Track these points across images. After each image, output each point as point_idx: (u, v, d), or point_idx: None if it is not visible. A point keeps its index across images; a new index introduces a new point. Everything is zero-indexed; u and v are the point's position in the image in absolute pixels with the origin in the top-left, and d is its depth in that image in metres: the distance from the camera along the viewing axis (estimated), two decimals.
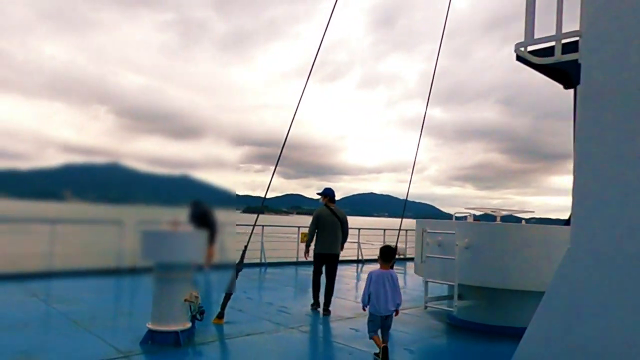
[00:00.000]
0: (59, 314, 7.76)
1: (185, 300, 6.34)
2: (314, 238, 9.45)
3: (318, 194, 9.76)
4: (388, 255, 6.53)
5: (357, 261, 18.99)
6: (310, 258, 9.64)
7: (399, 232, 12.83)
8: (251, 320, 8.17)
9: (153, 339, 6.27)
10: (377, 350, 6.21)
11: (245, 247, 8.26)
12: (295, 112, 9.21)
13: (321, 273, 9.59)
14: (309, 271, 11.29)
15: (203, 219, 9.35)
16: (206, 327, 7.09)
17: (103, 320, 7.57)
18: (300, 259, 15.74)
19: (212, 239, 7.97)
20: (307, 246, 9.69)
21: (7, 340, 6.23)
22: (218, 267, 8.45)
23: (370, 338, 6.34)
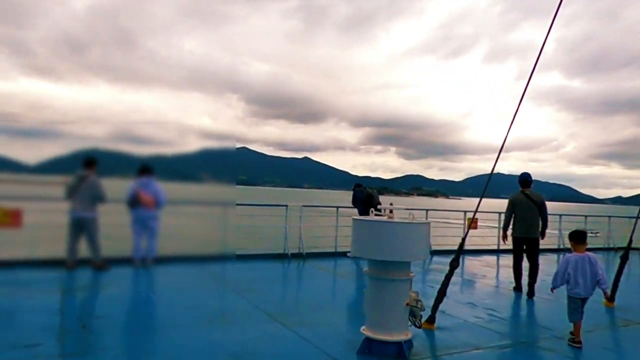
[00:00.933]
0: (251, 305, 7.57)
1: (407, 304, 5.47)
2: (511, 222, 9.69)
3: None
4: (582, 236, 6.51)
5: (557, 250, 16.88)
6: (509, 244, 9.92)
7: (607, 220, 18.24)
8: (465, 327, 6.86)
9: (370, 348, 5.44)
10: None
11: (464, 238, 7.29)
12: None
13: (521, 257, 9.65)
14: (482, 260, 13.16)
15: (369, 202, 11.89)
16: (415, 334, 5.82)
17: (298, 315, 7.21)
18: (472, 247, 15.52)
19: None
20: (505, 231, 9.96)
21: (211, 334, 6.01)
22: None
23: (571, 322, 6.36)
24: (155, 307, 7.93)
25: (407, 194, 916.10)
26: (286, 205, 13.84)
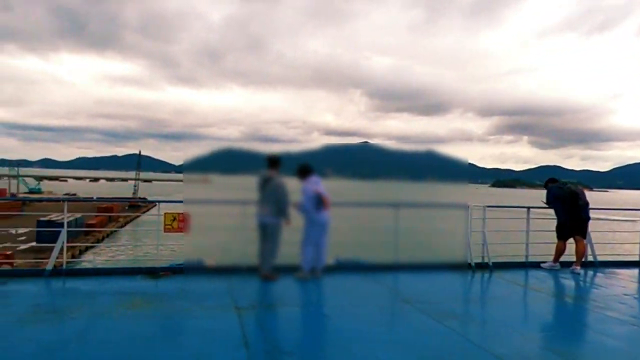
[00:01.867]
0: (457, 335, 6.03)
1: None
2: None
3: None
4: None
5: None
6: None
7: None
8: None
9: None
10: None
11: None
12: None
13: None
14: None
15: (573, 201, 10.87)
16: None
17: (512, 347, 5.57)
18: None
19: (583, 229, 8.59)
20: None
21: None
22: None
23: None
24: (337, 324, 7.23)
25: (543, 187, 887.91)
26: (467, 206, 12.57)
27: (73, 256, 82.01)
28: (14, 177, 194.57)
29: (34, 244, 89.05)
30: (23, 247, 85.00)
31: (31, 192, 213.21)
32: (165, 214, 9.91)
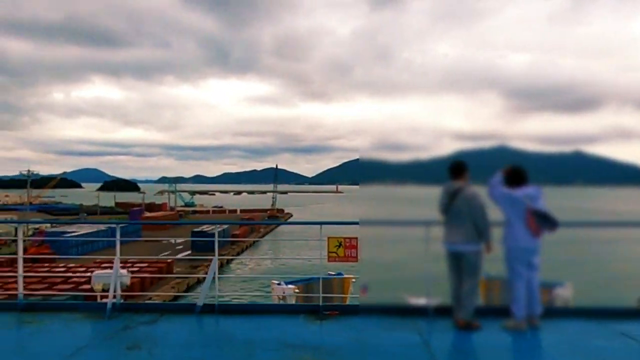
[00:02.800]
0: None
1: None
2: None
3: None
4: None
5: None
6: None
7: None
8: None
9: None
10: None
11: None
12: None
13: None
14: None
15: None
16: None
17: None
18: None
19: None
20: None
21: None
22: None
23: None
24: None
25: None
26: None
27: (222, 264, 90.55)
28: (173, 192, 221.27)
29: (189, 252, 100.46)
30: (180, 255, 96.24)
31: (186, 205, 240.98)
32: (328, 238, 8.12)
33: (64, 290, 57.41)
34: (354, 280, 33.71)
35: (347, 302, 32.00)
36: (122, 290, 10.21)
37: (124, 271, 12.14)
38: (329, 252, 8.06)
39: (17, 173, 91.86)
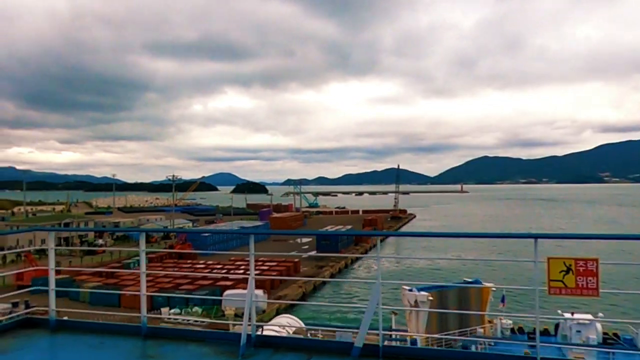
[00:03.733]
0: None
1: None
2: None
3: None
4: None
5: None
6: None
7: None
8: None
9: None
10: None
11: None
12: None
13: None
14: None
15: None
16: None
17: None
18: None
19: None
20: None
21: None
22: None
23: None
24: None
25: None
26: None
27: (346, 265, 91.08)
28: (297, 193, 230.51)
29: (314, 252, 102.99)
30: (305, 255, 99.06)
31: (311, 206, 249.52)
32: (549, 259, 5.91)
33: (204, 286, 62.27)
34: (494, 289, 31.05)
35: (487, 311, 29.31)
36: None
37: (260, 292, 11.33)
38: (549, 280, 5.75)
39: (164, 178, 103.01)
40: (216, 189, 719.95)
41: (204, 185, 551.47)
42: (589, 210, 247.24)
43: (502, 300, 30.01)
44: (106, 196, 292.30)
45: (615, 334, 27.81)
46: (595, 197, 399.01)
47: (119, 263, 79.58)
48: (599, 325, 25.47)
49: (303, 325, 9.49)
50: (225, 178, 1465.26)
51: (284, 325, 26.29)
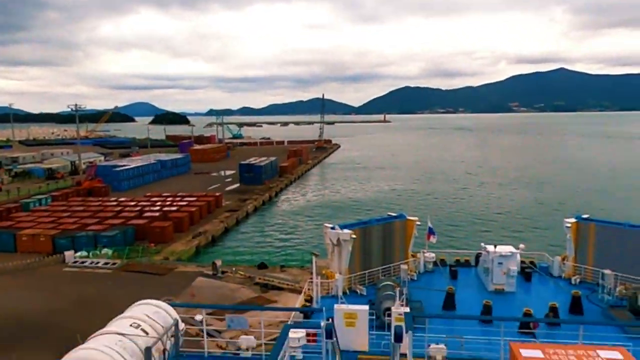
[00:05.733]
0: None
1: None
2: None
3: None
4: None
5: None
6: None
7: None
8: None
9: None
10: None
11: None
12: None
13: None
14: None
15: None
16: None
17: None
18: None
19: None
20: None
21: None
22: None
23: None
24: None
25: None
26: None
27: (270, 197, 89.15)
28: (221, 124, 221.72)
29: (238, 185, 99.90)
30: (229, 188, 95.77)
31: (234, 137, 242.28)
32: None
33: (115, 225, 57.54)
34: (418, 223, 30.22)
35: (410, 248, 28.49)
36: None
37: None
38: None
39: (72, 108, 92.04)
40: (133, 120, 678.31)
41: (119, 115, 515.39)
42: (499, 139, 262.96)
43: (430, 232, 29.31)
44: (4, 128, 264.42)
45: (532, 262, 28.26)
46: (505, 126, 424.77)
47: (17, 203, 71.64)
48: (518, 256, 25.47)
49: (172, 316, 7.11)
50: (143, 108, 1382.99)
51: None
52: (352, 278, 25.46)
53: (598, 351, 8.23)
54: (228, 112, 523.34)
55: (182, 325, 8.58)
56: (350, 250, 24.92)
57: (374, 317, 19.60)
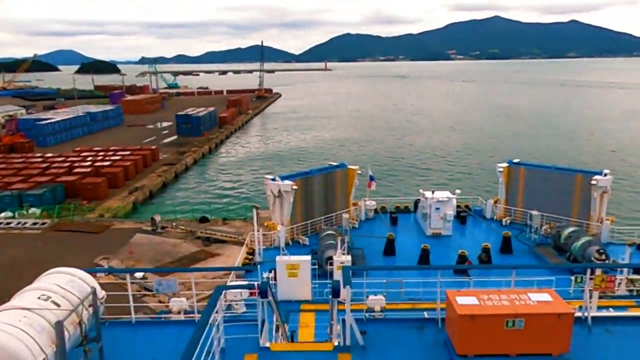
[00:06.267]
0: None
1: None
2: None
3: None
4: None
5: None
6: None
7: None
8: None
9: None
10: None
11: None
12: None
13: None
14: None
15: None
16: None
17: None
18: None
19: None
20: None
21: None
22: None
23: None
24: None
25: None
26: None
27: (210, 149, 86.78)
28: (154, 73, 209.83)
29: (175, 137, 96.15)
30: (166, 140, 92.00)
31: (169, 87, 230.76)
32: None
33: (42, 183, 53.98)
34: (359, 171, 30.37)
35: (352, 197, 28.72)
36: None
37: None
38: None
39: None
40: (57, 69, 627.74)
41: (41, 64, 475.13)
42: (438, 86, 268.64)
43: (371, 180, 29.66)
44: None
45: (467, 206, 29.46)
46: (443, 73, 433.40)
47: None
48: (454, 201, 26.39)
49: (89, 284, 6.44)
50: (67, 56, 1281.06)
51: None
52: (294, 229, 25.48)
53: (529, 294, 8.56)
54: (162, 60, 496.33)
55: (102, 293, 7.93)
56: (292, 201, 24.77)
57: (317, 266, 19.77)
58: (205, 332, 6.85)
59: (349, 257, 18.89)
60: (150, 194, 57.91)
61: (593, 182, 23.81)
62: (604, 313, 10.24)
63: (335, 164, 28.48)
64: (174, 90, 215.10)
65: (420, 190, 27.25)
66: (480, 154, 78.04)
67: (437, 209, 25.40)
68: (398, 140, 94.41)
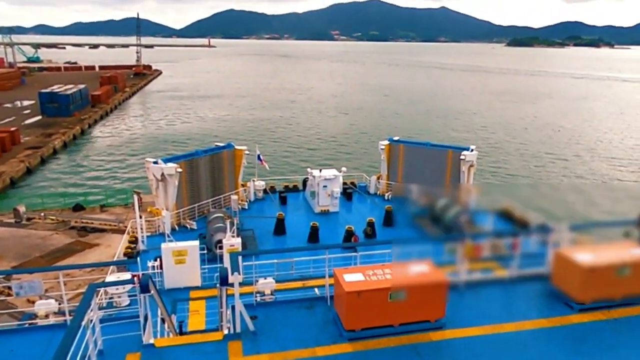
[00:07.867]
0: None
1: None
2: None
3: None
4: None
5: None
6: None
7: None
8: None
9: None
10: None
11: None
12: None
13: None
14: None
15: None
16: None
17: None
18: None
19: None
20: None
21: None
22: None
23: None
24: None
25: (562, 44, 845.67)
26: None
27: (82, 131, 79.24)
28: (10, 45, 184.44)
29: (39, 117, 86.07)
30: (28, 121, 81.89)
31: (30, 61, 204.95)
32: None
33: None
34: (247, 152, 29.90)
35: (240, 178, 28.24)
36: None
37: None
38: None
39: None
40: None
41: None
42: (322, 66, 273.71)
43: (259, 160, 29.40)
44: None
45: (352, 183, 30.65)
46: (327, 54, 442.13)
47: None
48: (340, 179, 27.28)
49: None
50: None
51: None
52: (180, 213, 24.43)
53: (410, 266, 9.14)
54: (20, 29, 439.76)
55: None
56: (177, 184, 23.66)
57: (206, 251, 19.20)
58: (78, 335, 6.21)
59: (239, 240, 18.62)
60: (12, 182, 51.53)
61: (462, 157, 26.12)
62: (474, 278, 11.35)
63: (221, 144, 27.76)
64: (36, 65, 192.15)
65: (308, 169, 27.74)
66: (364, 133, 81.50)
67: (325, 186, 26.08)
68: (284, 119, 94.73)
